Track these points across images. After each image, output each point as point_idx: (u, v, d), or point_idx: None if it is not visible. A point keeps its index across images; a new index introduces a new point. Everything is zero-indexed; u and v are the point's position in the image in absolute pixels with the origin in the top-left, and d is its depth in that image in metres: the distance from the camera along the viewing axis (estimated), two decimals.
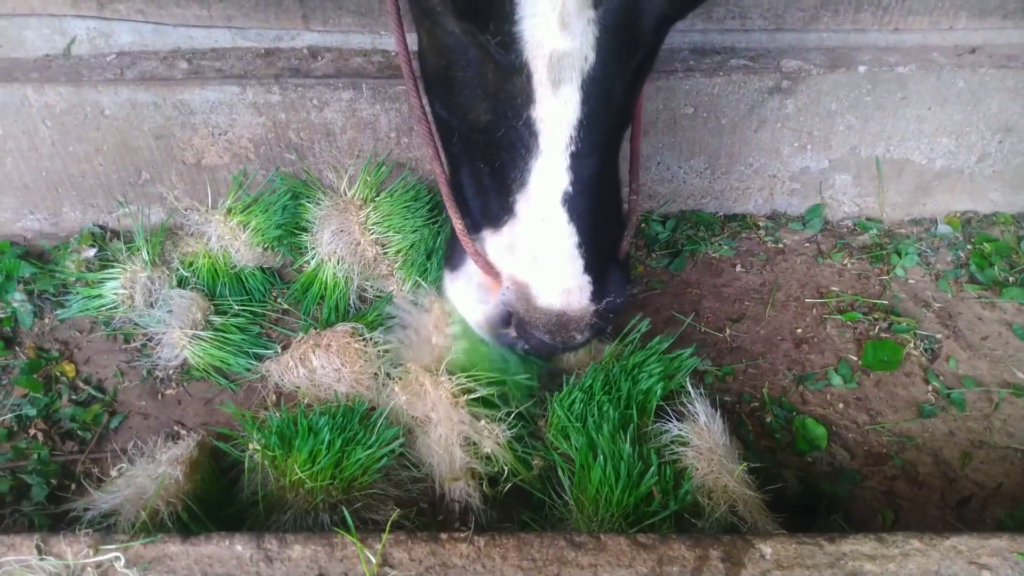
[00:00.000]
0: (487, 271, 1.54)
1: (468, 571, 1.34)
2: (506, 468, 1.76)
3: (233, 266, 2.28)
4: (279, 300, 2.30)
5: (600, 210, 1.46)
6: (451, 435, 1.79)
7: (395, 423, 1.87)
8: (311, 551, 1.36)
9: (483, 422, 1.80)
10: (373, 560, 1.34)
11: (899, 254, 2.48)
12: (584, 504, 1.70)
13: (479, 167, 1.48)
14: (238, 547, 1.39)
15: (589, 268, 1.48)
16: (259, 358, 2.10)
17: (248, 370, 2.08)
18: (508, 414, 1.83)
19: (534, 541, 1.39)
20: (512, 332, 1.65)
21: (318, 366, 1.97)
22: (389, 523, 1.42)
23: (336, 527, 1.55)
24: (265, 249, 2.29)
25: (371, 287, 2.24)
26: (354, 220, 2.22)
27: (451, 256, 1.72)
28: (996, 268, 2.45)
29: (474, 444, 1.79)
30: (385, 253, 2.22)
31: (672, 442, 1.81)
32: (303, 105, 2.25)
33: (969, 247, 2.53)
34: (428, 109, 1.60)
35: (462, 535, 1.39)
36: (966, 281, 2.43)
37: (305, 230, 2.28)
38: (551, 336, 1.54)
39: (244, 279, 2.29)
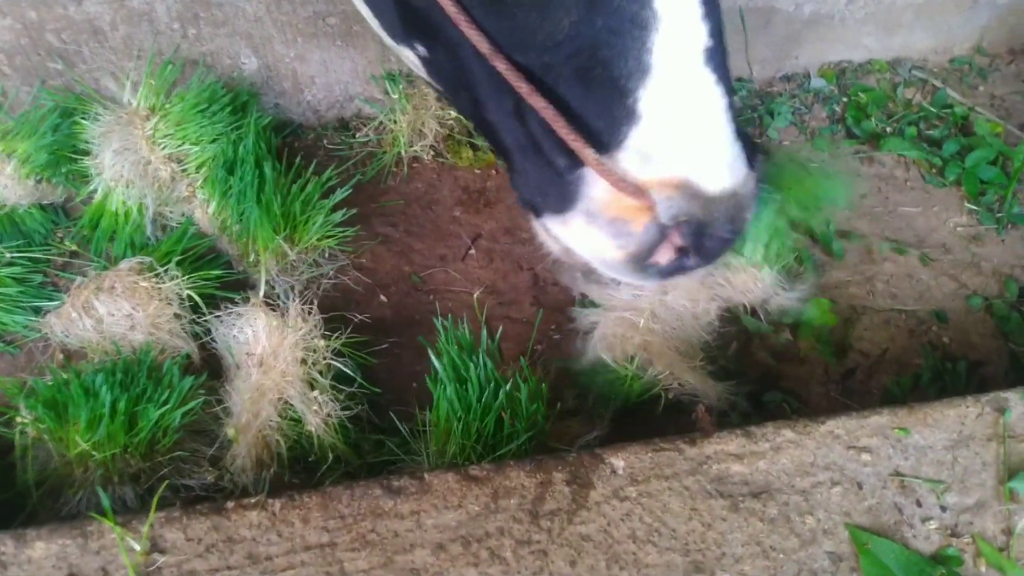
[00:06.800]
0: (634, 194, 1.26)
1: (260, 543, 1.09)
2: (330, 456, 1.46)
3: (3, 206, 1.89)
4: (65, 241, 1.93)
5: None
6: (270, 387, 1.49)
7: (226, 359, 1.60)
8: (58, 546, 1.09)
9: (316, 393, 1.50)
10: (137, 547, 1.07)
11: (771, 114, 2.26)
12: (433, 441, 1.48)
13: (571, 93, 1.24)
14: None
15: (737, 133, 1.24)
16: (44, 312, 1.76)
17: (27, 328, 1.74)
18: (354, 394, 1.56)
19: (342, 495, 1.14)
20: (663, 259, 1.37)
21: (105, 314, 1.64)
22: (156, 497, 1.14)
23: (142, 500, 1.29)
24: (39, 181, 1.90)
25: (171, 213, 1.90)
26: (140, 134, 1.85)
27: (546, 198, 1.42)
28: (873, 120, 2.26)
29: (294, 419, 1.49)
30: (184, 171, 1.87)
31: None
32: None
33: (844, 100, 2.34)
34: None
35: (253, 500, 1.13)
36: (843, 137, 2.24)
37: (86, 153, 1.89)
38: (732, 226, 1.30)
39: (19, 220, 1.91)
